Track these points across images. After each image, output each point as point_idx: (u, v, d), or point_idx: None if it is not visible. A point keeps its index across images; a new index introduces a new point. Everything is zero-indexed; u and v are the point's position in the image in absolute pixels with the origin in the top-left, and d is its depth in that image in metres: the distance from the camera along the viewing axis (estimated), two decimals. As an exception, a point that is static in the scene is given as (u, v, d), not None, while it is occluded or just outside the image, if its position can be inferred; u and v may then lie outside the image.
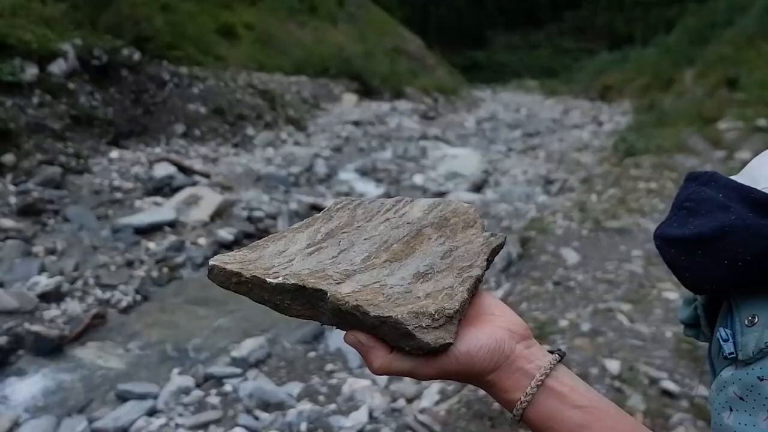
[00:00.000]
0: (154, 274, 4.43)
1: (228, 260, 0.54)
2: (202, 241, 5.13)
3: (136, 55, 9.09)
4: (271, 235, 0.60)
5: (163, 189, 6.37)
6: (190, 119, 9.37)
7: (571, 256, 4.23)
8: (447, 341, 0.49)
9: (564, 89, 32.78)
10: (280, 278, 0.51)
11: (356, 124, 13.05)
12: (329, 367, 3.31)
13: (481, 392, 2.46)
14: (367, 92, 17.29)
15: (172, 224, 5.30)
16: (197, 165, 7.74)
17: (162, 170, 6.82)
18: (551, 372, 0.51)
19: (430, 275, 0.53)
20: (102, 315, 3.76)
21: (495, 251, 0.59)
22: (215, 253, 4.96)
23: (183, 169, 7.08)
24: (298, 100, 13.27)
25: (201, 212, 5.60)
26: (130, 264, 4.53)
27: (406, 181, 8.36)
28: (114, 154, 7.41)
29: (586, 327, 2.98)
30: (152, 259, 4.64)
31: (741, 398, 0.43)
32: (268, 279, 0.51)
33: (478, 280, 0.54)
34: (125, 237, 4.94)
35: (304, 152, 9.61)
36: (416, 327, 0.48)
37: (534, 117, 18.85)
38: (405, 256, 0.56)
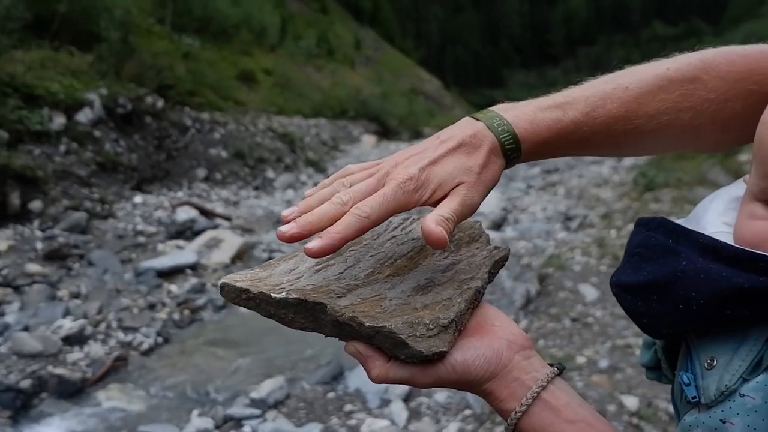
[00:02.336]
0: (176, 316, 4.51)
1: (239, 278, 0.57)
2: (222, 283, 5.21)
3: (159, 103, 9.41)
4: (284, 255, 0.64)
5: (185, 232, 6.50)
6: (211, 163, 9.61)
7: (589, 292, 4.22)
8: (440, 350, 0.51)
9: (582, 125, 32.74)
10: (283, 293, 0.54)
11: (375, 164, 13.21)
12: (348, 407, 3.32)
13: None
14: (385, 133, 17.59)
15: (194, 267, 5.40)
16: (218, 208, 7.91)
17: (184, 214, 6.97)
18: (548, 385, 0.52)
19: (430, 288, 0.56)
20: (123, 357, 3.84)
21: (498, 263, 0.61)
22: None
23: (204, 213, 7.23)
24: (317, 142, 13.53)
25: (222, 255, 5.70)
26: (152, 307, 4.62)
27: (424, 220, 8.41)
28: (138, 198, 7.61)
29: (604, 363, 2.97)
30: (174, 302, 4.72)
31: None
32: (273, 294, 0.55)
33: (478, 292, 0.56)
34: (148, 280, 5.05)
35: (323, 193, 9.72)
36: (410, 336, 0.50)
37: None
38: (408, 270, 0.58)
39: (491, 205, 9.48)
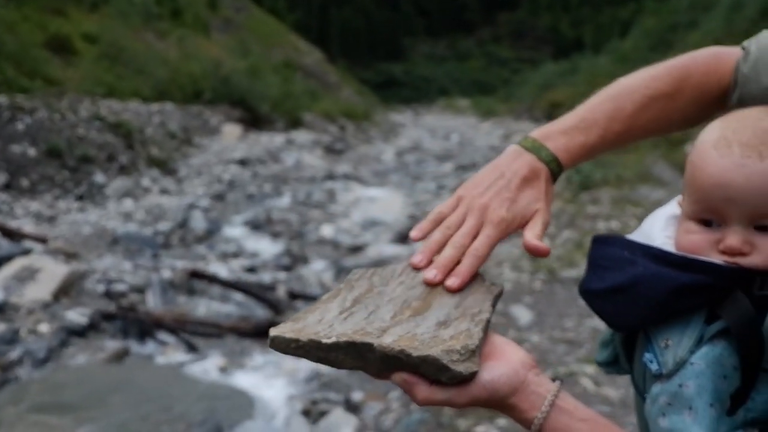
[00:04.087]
0: (-21, 376, 4.40)
1: (285, 330, 0.86)
2: (43, 328, 5.12)
3: (-65, 82, 9.01)
4: (304, 309, 0.92)
5: (-19, 261, 6.29)
6: (14, 165, 9.32)
7: (522, 314, 4.60)
8: (475, 369, 0.81)
9: (503, 109, 34.61)
10: (333, 338, 0.83)
11: (242, 163, 13.27)
12: (230, 478, 3.43)
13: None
14: (254, 121, 17.59)
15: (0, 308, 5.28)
16: (27, 226, 7.74)
17: (-23, 236, 6.73)
18: (558, 393, 0.83)
19: (449, 323, 0.87)
20: None
21: (497, 297, 0.94)
22: (62, 343, 5.02)
23: (7, 233, 7.02)
24: (162, 134, 13.34)
25: (40, 290, 5.59)
26: (-57, 366, 4.48)
27: (311, 234, 8.60)
28: None
29: (545, 397, 3.29)
30: (-26, 357, 4.60)
31: (669, 404, 0.79)
32: (323, 340, 0.82)
33: (488, 322, 0.88)
34: (-69, 329, 4.88)
35: (175, 203, 9.69)
36: (450, 361, 0.79)
37: (468, 145, 19.80)
38: (424, 310, 0.91)
39: (394, 211, 9.85)
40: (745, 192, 0.79)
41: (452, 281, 0.91)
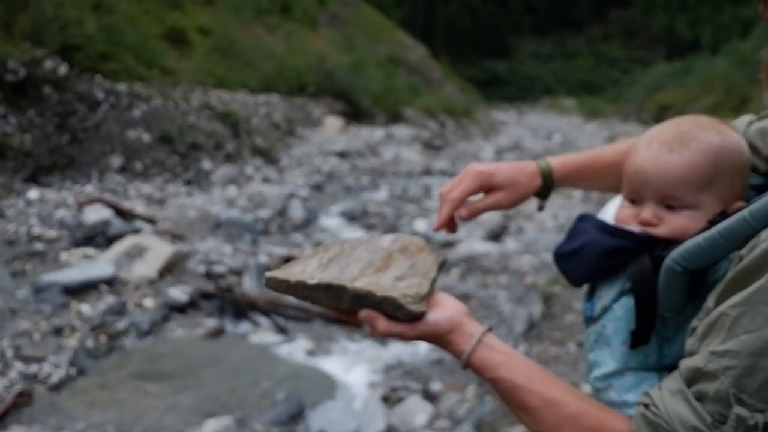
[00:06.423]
0: (90, 343, 4.72)
1: (277, 274, 1.12)
2: (148, 302, 5.44)
3: (62, 68, 9.46)
4: (288, 263, 1.16)
5: (96, 238, 6.66)
6: (129, 149, 9.76)
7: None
8: (423, 310, 1.06)
9: (609, 109, 33.80)
10: (316, 280, 1.08)
11: (342, 155, 13.53)
12: (309, 454, 3.60)
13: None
14: (355, 115, 17.87)
15: (110, 282, 5.61)
16: (139, 207, 8.11)
17: (94, 214, 7.12)
18: (485, 333, 1.08)
19: (404, 277, 1.13)
20: (27, 393, 4.04)
21: (441, 264, 1.21)
22: (164, 318, 5.32)
23: (121, 213, 7.38)
24: (267, 125, 13.77)
25: (147, 267, 5.92)
26: (58, 331, 4.82)
27: (405, 228, 8.70)
28: (33, 193, 7.74)
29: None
30: (86, 325, 4.93)
31: (596, 341, 1.06)
32: (308, 281, 1.08)
33: (434, 280, 1.14)
34: (51, 298, 5.22)
35: (276, 191, 10.01)
36: (405, 302, 1.05)
37: (570, 146, 19.38)
38: (385, 268, 1.16)
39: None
40: (655, 178, 1.02)
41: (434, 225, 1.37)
